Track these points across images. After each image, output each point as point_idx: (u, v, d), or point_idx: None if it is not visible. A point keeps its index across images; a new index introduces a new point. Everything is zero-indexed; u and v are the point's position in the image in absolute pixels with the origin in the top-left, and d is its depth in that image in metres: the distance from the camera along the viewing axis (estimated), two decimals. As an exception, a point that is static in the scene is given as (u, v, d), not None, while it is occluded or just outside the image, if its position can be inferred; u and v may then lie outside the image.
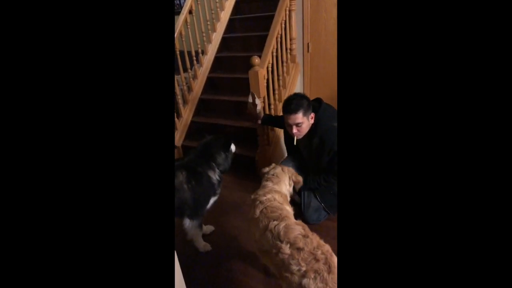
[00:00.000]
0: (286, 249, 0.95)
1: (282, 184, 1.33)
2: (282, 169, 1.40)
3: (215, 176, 1.55)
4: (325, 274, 0.83)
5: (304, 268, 0.87)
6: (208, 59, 2.97)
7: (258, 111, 2.00)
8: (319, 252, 0.90)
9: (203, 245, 1.65)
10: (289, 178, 1.40)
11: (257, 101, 1.97)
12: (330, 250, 0.93)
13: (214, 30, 3.03)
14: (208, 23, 2.93)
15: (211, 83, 2.97)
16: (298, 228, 1.01)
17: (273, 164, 1.47)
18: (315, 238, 0.97)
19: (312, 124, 1.67)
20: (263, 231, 1.09)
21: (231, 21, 3.17)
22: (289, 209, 1.21)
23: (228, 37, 3.12)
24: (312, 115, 1.65)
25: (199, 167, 1.51)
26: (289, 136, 1.85)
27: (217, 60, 3.04)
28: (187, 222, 1.55)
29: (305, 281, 0.84)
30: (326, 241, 1.58)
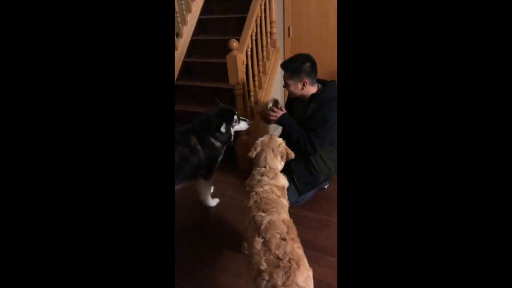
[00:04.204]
0: (258, 244, 0.91)
1: (279, 176, 1.27)
2: (273, 150, 1.29)
3: (217, 143, 1.69)
4: (278, 281, 0.79)
5: (263, 268, 0.84)
6: (183, 43, 2.78)
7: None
8: (286, 259, 0.84)
9: (212, 200, 1.87)
10: (281, 156, 1.33)
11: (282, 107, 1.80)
12: (301, 261, 0.86)
13: (189, 10, 2.83)
14: (183, 2, 2.73)
15: (187, 68, 2.80)
16: (281, 227, 0.96)
17: (259, 141, 1.34)
18: (292, 244, 0.90)
19: (316, 92, 1.69)
20: (250, 221, 1.05)
21: (207, 2, 2.97)
22: (285, 203, 1.17)
23: (205, 18, 2.93)
24: (305, 82, 1.62)
25: (203, 133, 1.65)
26: (289, 106, 1.87)
27: (193, 44, 2.85)
28: (202, 182, 1.75)
29: (259, 279, 0.83)
30: (303, 230, 1.59)
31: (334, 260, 1.43)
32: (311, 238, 1.57)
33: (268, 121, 1.78)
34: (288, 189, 1.71)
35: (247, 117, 2.11)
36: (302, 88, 1.65)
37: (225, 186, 2.05)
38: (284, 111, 1.74)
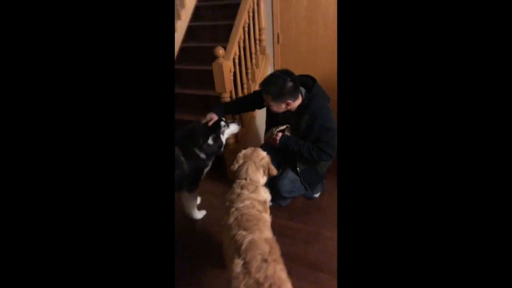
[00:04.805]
0: (238, 266, 0.85)
1: (260, 190, 1.19)
2: (255, 163, 1.24)
3: (201, 154, 1.60)
4: None
5: None
6: (172, 49, 2.75)
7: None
8: (267, 284, 0.78)
9: (198, 213, 1.80)
10: (264, 170, 1.27)
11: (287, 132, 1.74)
12: (283, 287, 0.80)
13: (178, 17, 2.80)
14: (172, 9, 2.69)
15: (176, 76, 2.75)
16: (263, 247, 0.89)
17: (242, 154, 1.29)
18: (274, 266, 0.83)
19: (303, 101, 1.58)
20: (231, 240, 0.98)
21: (197, 8, 2.95)
22: (267, 218, 1.10)
23: (195, 25, 2.90)
24: (290, 102, 1.51)
25: (187, 144, 1.57)
26: (270, 114, 1.75)
27: (182, 51, 2.82)
28: (186, 195, 1.68)
29: None
30: (291, 244, 1.52)
31: (323, 276, 1.37)
32: (300, 252, 1.50)
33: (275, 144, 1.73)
34: (283, 177, 1.69)
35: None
36: (286, 108, 1.56)
37: (213, 197, 1.98)
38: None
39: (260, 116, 2.37)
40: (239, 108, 1.88)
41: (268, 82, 1.49)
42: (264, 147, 1.77)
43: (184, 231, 1.75)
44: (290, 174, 1.72)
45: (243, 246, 0.89)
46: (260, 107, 1.83)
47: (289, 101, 1.51)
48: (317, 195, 1.95)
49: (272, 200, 1.88)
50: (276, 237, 1.57)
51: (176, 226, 1.78)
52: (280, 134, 1.64)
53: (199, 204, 1.89)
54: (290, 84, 1.46)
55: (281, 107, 1.55)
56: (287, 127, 1.69)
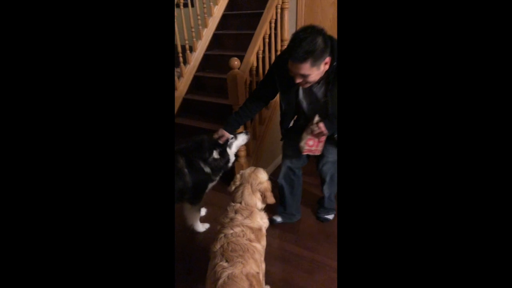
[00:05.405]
0: None
1: (256, 215, 1.09)
2: (251, 186, 1.15)
3: (206, 168, 1.57)
4: None
5: None
6: (196, 57, 2.77)
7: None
8: None
9: (201, 226, 1.76)
10: (261, 196, 1.16)
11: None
12: None
13: (205, 26, 2.83)
14: (199, 17, 2.72)
15: (197, 83, 2.78)
16: (241, 285, 0.81)
17: (239, 174, 1.21)
18: None
19: (331, 65, 1.26)
20: (211, 270, 0.91)
21: (224, 17, 2.96)
22: (259, 248, 1.01)
23: (220, 34, 2.91)
24: (328, 59, 1.21)
25: (192, 156, 1.55)
26: (288, 99, 1.45)
27: (206, 58, 2.84)
28: (188, 207, 1.65)
29: None
30: (292, 271, 1.40)
31: (321, 313, 1.25)
32: (299, 282, 1.39)
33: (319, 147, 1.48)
34: (325, 163, 1.54)
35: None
36: (324, 70, 1.25)
37: (218, 210, 1.93)
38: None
39: (274, 129, 2.30)
40: (254, 108, 1.61)
41: (302, 46, 1.14)
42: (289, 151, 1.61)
43: (184, 244, 1.71)
44: (331, 157, 1.54)
45: (220, 281, 0.82)
46: (273, 95, 1.58)
47: (327, 58, 1.21)
48: (331, 216, 1.83)
49: (281, 214, 1.79)
50: (277, 261, 1.52)
51: (176, 238, 1.75)
52: (322, 125, 1.36)
53: (203, 217, 1.85)
54: (320, 38, 1.16)
55: (320, 71, 1.24)
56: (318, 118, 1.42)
